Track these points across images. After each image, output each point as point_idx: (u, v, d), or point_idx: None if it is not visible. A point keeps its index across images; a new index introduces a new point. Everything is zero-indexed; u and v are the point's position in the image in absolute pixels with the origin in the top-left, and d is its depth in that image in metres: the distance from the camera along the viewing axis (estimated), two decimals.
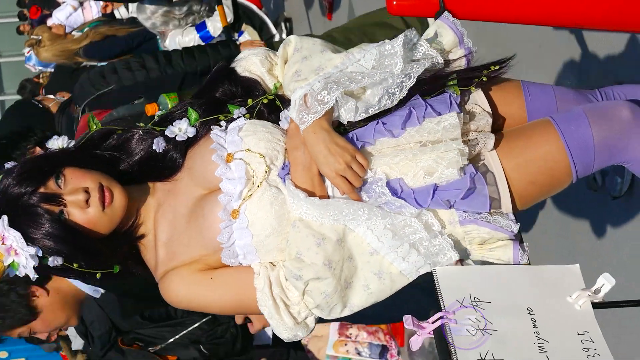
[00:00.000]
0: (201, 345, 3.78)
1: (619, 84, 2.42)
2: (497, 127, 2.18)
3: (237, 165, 2.01)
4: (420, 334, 1.97)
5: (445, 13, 2.23)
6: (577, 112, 2.13)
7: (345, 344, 5.46)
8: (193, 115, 2.09)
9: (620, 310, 2.46)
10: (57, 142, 2.09)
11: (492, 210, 2.05)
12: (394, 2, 2.55)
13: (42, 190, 1.97)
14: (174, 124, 2.08)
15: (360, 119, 2.03)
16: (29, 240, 1.93)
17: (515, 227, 2.03)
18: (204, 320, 3.77)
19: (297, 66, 2.05)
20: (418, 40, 2.13)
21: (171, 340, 3.80)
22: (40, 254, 1.94)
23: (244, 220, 1.98)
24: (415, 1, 2.52)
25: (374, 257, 1.97)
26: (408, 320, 1.96)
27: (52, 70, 7.66)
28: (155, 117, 2.14)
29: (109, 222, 2.01)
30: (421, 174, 2.03)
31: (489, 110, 2.15)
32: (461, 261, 2.09)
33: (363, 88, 2.05)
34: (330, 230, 1.95)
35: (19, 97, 10.49)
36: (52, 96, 6.04)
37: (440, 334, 1.97)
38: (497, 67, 2.16)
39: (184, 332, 3.77)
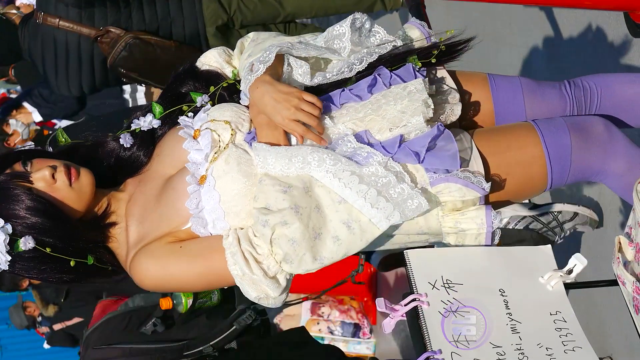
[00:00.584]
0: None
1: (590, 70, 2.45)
2: (465, 114, 2.20)
3: (204, 134, 2.03)
4: (393, 317, 1.99)
5: (413, 17, 2.30)
6: (559, 122, 2.15)
7: (318, 323, 5.50)
8: (157, 108, 2.12)
9: (591, 290, 2.48)
10: (24, 140, 2.16)
11: (461, 169, 2.03)
12: None
13: (8, 171, 1.98)
14: (139, 118, 2.12)
15: (316, 82, 2.05)
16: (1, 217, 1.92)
17: (487, 185, 2.01)
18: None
19: (250, 50, 2.09)
20: (373, 27, 2.15)
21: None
22: (10, 230, 1.91)
23: (211, 181, 1.97)
24: None
25: (342, 206, 1.94)
26: (380, 303, 1.99)
27: None
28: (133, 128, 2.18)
29: (77, 198, 2.00)
30: (387, 126, 2.03)
31: (455, 87, 2.17)
32: (432, 246, 2.10)
33: (324, 61, 2.10)
34: (297, 179, 1.94)
35: None
36: (15, 11, 6.00)
37: (413, 317, 2.00)
38: (452, 40, 2.17)
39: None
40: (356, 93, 2.05)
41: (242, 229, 1.98)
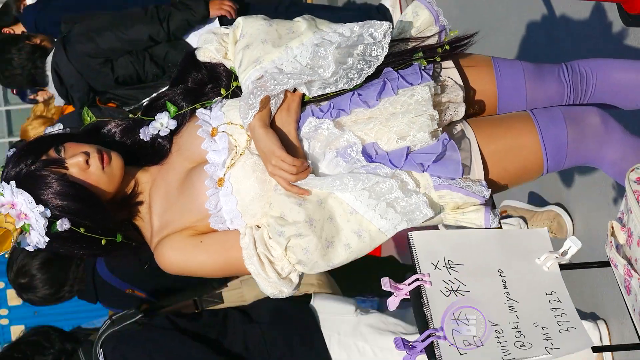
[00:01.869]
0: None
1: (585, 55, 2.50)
2: (469, 101, 2.25)
3: (221, 137, 2.11)
4: (397, 295, 2.04)
5: None
6: (555, 112, 2.22)
7: None
8: (172, 108, 2.18)
9: (585, 271, 2.54)
10: (52, 129, 2.21)
11: (464, 177, 2.11)
12: None
13: (44, 157, 2.07)
14: (156, 118, 2.17)
15: (318, 94, 2.10)
16: (38, 201, 2.01)
17: (487, 193, 2.09)
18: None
19: (240, 55, 2.13)
20: (373, 33, 2.14)
21: (144, 101, 4.05)
22: (48, 214, 2.01)
23: (229, 187, 2.07)
24: None
25: (353, 216, 2.03)
26: (385, 283, 2.04)
27: None
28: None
29: (109, 180, 2.10)
30: (394, 138, 2.09)
31: (461, 83, 2.21)
32: (435, 228, 2.16)
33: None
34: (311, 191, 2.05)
35: None
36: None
37: (416, 295, 2.05)
38: (456, 38, 2.22)
39: (155, 94, 3.91)
40: (365, 99, 2.10)
41: (258, 227, 2.08)
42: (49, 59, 4.27)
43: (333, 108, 2.11)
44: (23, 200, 2.00)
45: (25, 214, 2.00)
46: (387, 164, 2.06)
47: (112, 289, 4.00)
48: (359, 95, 2.11)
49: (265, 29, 2.13)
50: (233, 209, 2.07)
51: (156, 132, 2.16)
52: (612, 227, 2.05)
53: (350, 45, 2.09)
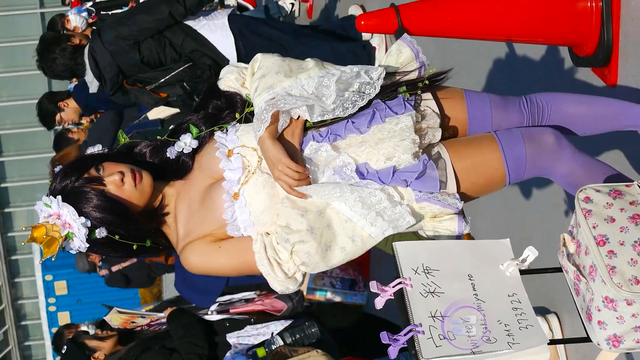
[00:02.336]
0: (184, 83, 4.46)
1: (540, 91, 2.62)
2: (444, 127, 2.42)
3: (236, 158, 2.30)
4: (383, 296, 2.17)
5: (405, 34, 2.46)
6: (515, 133, 2.39)
7: (322, 278, 5.93)
8: (194, 130, 2.36)
9: (541, 275, 2.59)
10: (93, 149, 2.38)
11: (441, 191, 2.28)
12: (362, 22, 2.82)
13: (85, 175, 2.25)
14: (180, 138, 2.35)
15: (318, 120, 2.28)
16: (80, 214, 2.20)
17: (460, 204, 2.26)
18: (186, 65, 4.45)
19: (256, 83, 2.29)
20: (370, 74, 2.32)
21: (162, 80, 4.46)
22: (89, 224, 2.21)
23: (243, 200, 2.27)
24: (379, 22, 2.79)
25: (348, 224, 2.22)
26: (373, 285, 2.17)
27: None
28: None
29: (140, 196, 2.29)
30: (382, 159, 2.27)
31: (438, 112, 2.39)
32: (416, 234, 2.33)
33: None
34: (311, 204, 2.23)
35: None
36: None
37: (399, 296, 2.16)
38: (433, 74, 2.40)
39: (171, 74, 4.41)
40: (357, 126, 2.28)
41: (267, 233, 2.28)
42: (86, 49, 4.57)
43: (330, 133, 2.29)
44: (67, 212, 2.18)
45: (69, 224, 2.18)
46: (377, 180, 2.24)
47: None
48: (353, 122, 2.29)
49: (280, 63, 2.31)
50: (246, 219, 2.26)
51: (180, 150, 2.33)
52: (564, 239, 2.18)
53: (349, 79, 2.27)
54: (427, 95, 2.41)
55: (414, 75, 2.41)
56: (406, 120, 2.29)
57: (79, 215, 2.19)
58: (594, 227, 2.04)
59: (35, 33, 15.06)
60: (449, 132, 2.45)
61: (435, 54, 4.43)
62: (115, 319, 5.12)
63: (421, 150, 2.30)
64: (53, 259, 2.15)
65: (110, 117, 6.02)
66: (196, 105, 2.45)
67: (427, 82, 2.39)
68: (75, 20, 7.07)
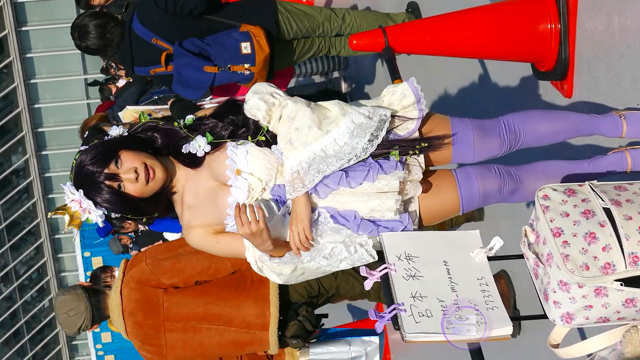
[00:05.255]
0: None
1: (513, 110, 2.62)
2: (429, 158, 2.41)
3: (242, 183, 2.32)
4: (371, 279, 2.17)
5: (412, 78, 2.39)
6: (470, 171, 2.43)
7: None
8: (209, 137, 2.34)
9: (505, 261, 2.58)
10: (115, 131, 2.36)
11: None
12: (354, 42, 2.84)
13: (106, 171, 2.27)
14: (196, 139, 2.33)
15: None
16: (96, 204, 2.28)
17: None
18: None
19: (290, 135, 2.25)
20: (382, 116, 2.31)
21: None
22: (105, 212, 2.30)
23: None
24: (368, 41, 2.81)
25: (320, 269, 2.34)
26: (363, 270, 2.18)
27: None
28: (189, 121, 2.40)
29: (151, 190, 2.32)
30: (368, 213, 2.29)
31: (423, 166, 2.36)
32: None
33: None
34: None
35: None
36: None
37: (385, 279, 2.17)
38: (426, 145, 2.34)
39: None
40: (350, 180, 2.27)
41: None
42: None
43: (324, 185, 2.28)
44: (88, 204, 2.26)
45: (89, 210, 2.27)
46: (355, 228, 2.28)
47: (141, 42, 4.03)
48: (347, 176, 2.27)
49: (310, 115, 2.26)
50: None
51: (194, 152, 2.33)
52: (526, 231, 2.17)
53: (367, 127, 2.26)
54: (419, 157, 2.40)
55: (411, 125, 2.36)
56: (394, 183, 2.30)
57: (94, 205, 2.27)
58: (551, 221, 2.04)
59: None
60: (435, 160, 2.44)
61: (411, 68, 4.39)
62: (127, 116, 4.79)
63: (402, 205, 2.33)
64: (77, 229, 2.26)
65: (138, 80, 5.55)
66: (214, 112, 2.41)
67: (417, 152, 2.35)
68: None
